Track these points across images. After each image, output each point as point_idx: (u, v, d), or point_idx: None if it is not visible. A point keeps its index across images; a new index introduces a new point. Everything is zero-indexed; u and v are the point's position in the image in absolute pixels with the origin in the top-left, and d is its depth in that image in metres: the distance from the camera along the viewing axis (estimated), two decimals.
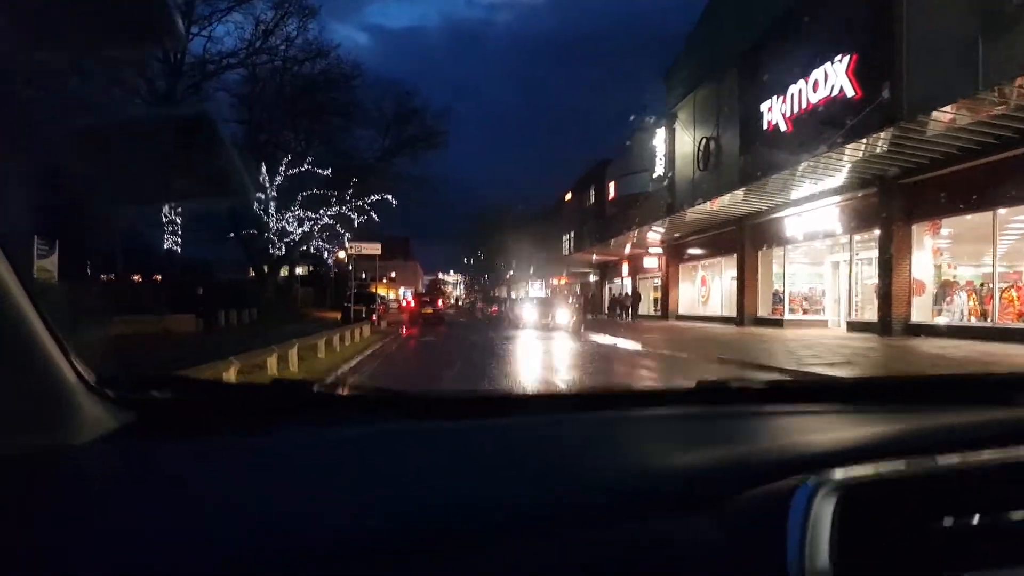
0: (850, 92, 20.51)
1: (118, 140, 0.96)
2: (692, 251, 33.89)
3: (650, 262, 39.18)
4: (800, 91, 23.19)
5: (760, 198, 24.94)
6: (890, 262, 18.51)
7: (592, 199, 56.90)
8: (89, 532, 0.85)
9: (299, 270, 71.28)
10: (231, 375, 8.94)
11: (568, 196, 66.08)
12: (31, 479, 0.94)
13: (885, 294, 18.67)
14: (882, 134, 17.33)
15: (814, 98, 22.42)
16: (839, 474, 1.00)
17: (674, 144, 35.92)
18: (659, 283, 39.86)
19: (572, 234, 64.52)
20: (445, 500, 0.97)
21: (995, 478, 1.05)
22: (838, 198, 21.66)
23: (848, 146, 18.68)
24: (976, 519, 0.99)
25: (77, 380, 1.05)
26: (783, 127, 24.37)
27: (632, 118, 42.42)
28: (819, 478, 0.98)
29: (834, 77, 21.30)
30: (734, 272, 29.90)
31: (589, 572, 0.92)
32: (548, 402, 1.63)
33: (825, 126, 21.67)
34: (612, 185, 46.54)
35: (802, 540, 0.92)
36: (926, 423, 1.28)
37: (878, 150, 17.99)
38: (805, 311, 25.34)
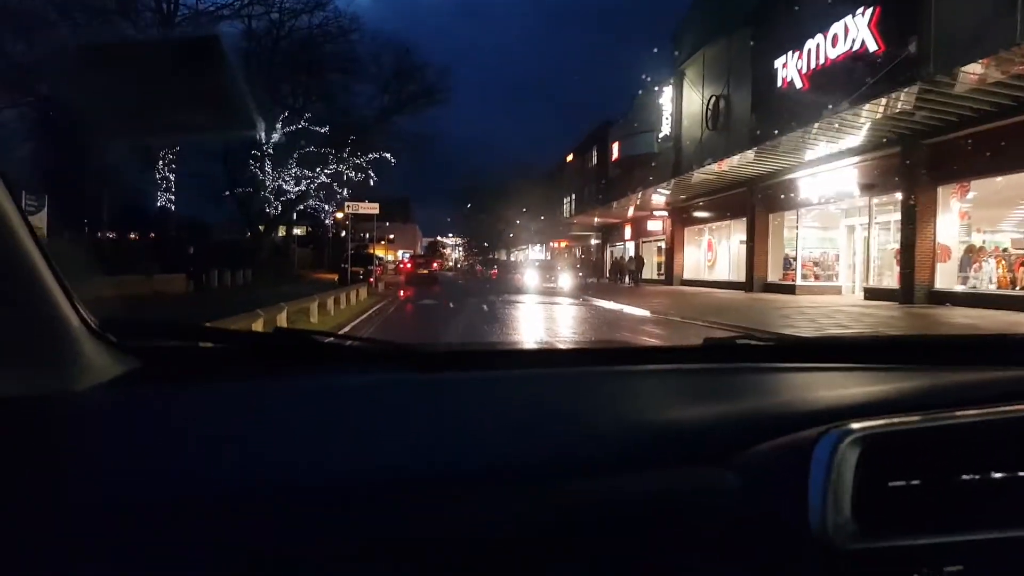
0: (873, 46, 19.49)
1: (117, 67, 0.89)
2: (698, 214, 32.98)
3: (654, 225, 38.35)
4: (818, 46, 22.11)
5: (772, 159, 24.00)
6: (913, 226, 17.67)
7: (595, 160, 55.76)
8: (91, 475, 0.87)
9: (298, 231, 70.49)
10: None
11: (570, 158, 64.87)
12: (34, 422, 0.94)
13: (907, 260, 17.85)
14: (906, 90, 16.44)
15: (833, 53, 21.37)
16: (862, 425, 0.97)
17: (681, 103, 34.81)
18: (663, 247, 39.04)
19: (573, 197, 63.50)
20: (448, 449, 0.96)
21: (1015, 434, 1.04)
22: (856, 159, 20.76)
23: (869, 103, 17.77)
24: (996, 475, 0.99)
25: (81, 324, 1.04)
26: (798, 84, 23.32)
27: (643, 77, 41.20)
28: (842, 428, 0.96)
29: (855, 31, 20.24)
30: (742, 236, 29.06)
31: (600, 521, 0.93)
32: (553, 356, 1.56)
33: (844, 82, 20.73)
34: (616, 146, 45.37)
35: (825, 490, 0.91)
36: (942, 380, 1.24)
37: (901, 108, 17.09)
38: (817, 277, 24.57)
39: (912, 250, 17.60)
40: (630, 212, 40.76)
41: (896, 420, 1.02)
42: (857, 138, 20.07)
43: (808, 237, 25.14)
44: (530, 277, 29.17)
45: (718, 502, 0.96)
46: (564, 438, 1.02)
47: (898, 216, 20.18)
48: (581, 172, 60.25)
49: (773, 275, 26.12)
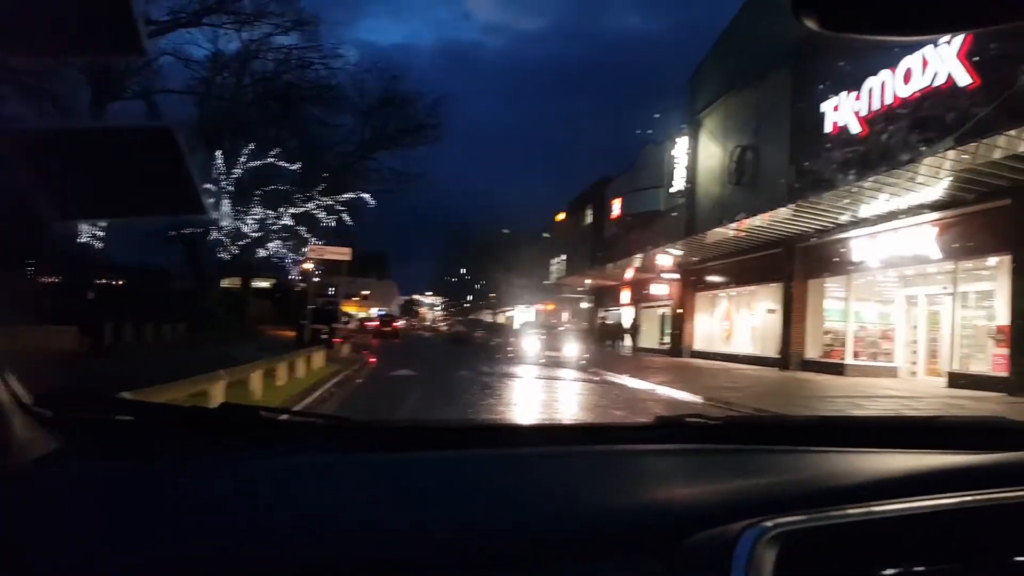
0: (964, 80, 15.95)
1: (74, 150, 0.91)
2: (714, 278, 29.15)
3: (659, 288, 34.35)
4: (883, 84, 18.66)
5: (818, 215, 20.32)
6: None
7: (589, 219, 52.13)
8: (24, 557, 0.84)
9: (265, 283, 65.73)
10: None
11: (561, 216, 61.26)
12: None
13: (1020, 340, 13.90)
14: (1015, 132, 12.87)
15: (905, 91, 17.88)
16: (783, 520, 0.98)
17: (697, 156, 31.35)
18: (666, 313, 35.08)
19: (563, 257, 59.73)
20: (376, 534, 0.95)
21: (938, 527, 1.05)
22: (935, 215, 17.00)
23: (963, 147, 14.17)
24: (917, 569, 1.00)
25: (10, 399, 1.01)
26: (855, 128, 19.79)
27: (647, 131, 37.91)
28: (763, 524, 0.96)
29: (937, 63, 16.74)
30: (770, 304, 25.20)
31: None
32: (504, 435, 1.54)
33: (920, 125, 17.19)
34: (617, 203, 41.75)
35: None
36: (875, 466, 1.26)
37: (1000, 152, 13.47)
38: (870, 355, 20.53)
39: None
40: (629, 274, 36.95)
41: (817, 515, 1.02)
42: (935, 191, 16.39)
43: (860, 309, 21.22)
44: (528, 343, 24.89)
45: None
46: (500, 525, 0.99)
47: (990, 285, 16.39)
48: (573, 231, 56.53)
49: (812, 351, 22.11)
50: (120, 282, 35.78)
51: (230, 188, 28.79)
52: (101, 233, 23.74)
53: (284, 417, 1.37)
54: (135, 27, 0.81)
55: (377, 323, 52.02)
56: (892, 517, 1.03)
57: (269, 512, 0.98)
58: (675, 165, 33.05)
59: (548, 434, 1.57)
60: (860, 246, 19.84)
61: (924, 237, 17.41)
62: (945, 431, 1.56)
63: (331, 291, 38.38)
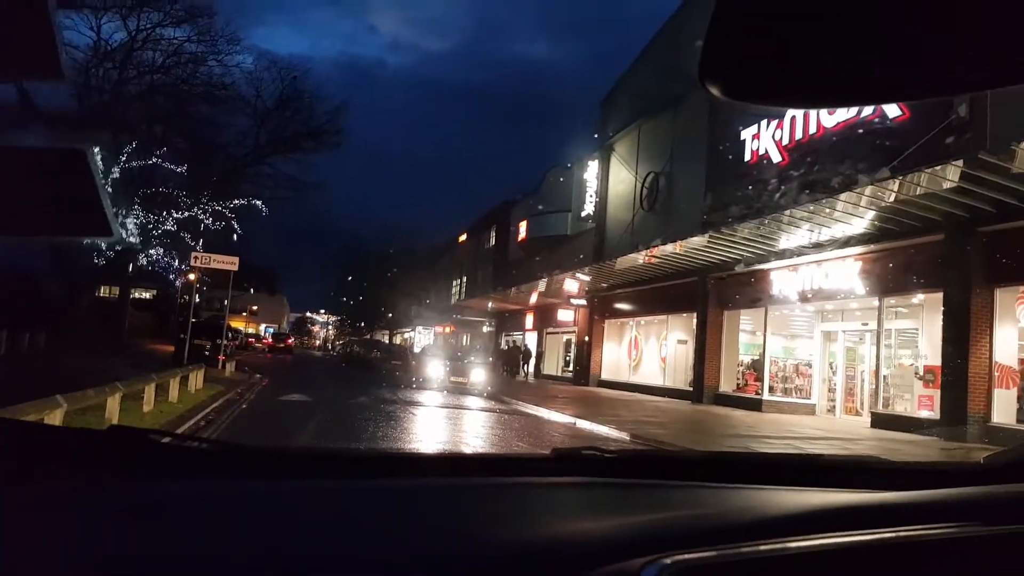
0: (892, 112, 15.67)
1: None
2: (623, 305, 28.50)
3: (565, 315, 33.59)
4: (806, 113, 18.32)
5: (733, 245, 19.84)
6: (963, 338, 13.38)
7: (492, 241, 51.07)
8: None
9: (147, 294, 61.23)
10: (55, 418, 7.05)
11: (463, 237, 59.93)
12: None
13: (952, 382, 13.49)
14: (950, 168, 12.59)
15: (829, 121, 17.60)
16: (680, 558, 0.99)
17: (607, 180, 30.77)
18: (571, 339, 34.30)
19: (464, 279, 58.38)
20: (265, 564, 0.92)
21: (822, 565, 1.08)
22: (858, 249, 16.63)
23: (883, 182, 13.86)
24: None
25: None
26: (775, 157, 19.45)
27: (551, 155, 37.25)
28: (662, 562, 0.97)
29: None
30: (681, 334, 24.67)
31: None
32: (404, 464, 1.53)
33: (841, 156, 16.90)
34: (523, 226, 40.81)
35: None
36: (765, 503, 1.28)
37: (945, 186, 13.15)
38: (788, 391, 20.05)
39: (963, 370, 13.23)
40: (533, 299, 36.00)
41: (715, 552, 1.02)
42: (859, 224, 16.04)
43: (776, 342, 20.78)
44: (431, 368, 23.23)
45: None
46: (399, 555, 0.98)
47: (913, 323, 16.13)
48: (476, 253, 55.34)
49: (726, 384, 21.53)
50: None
51: (107, 188, 25.94)
52: None
53: (176, 443, 1.37)
54: (56, 51, 0.77)
55: (270, 340, 58.62)
56: (783, 555, 1.06)
57: (155, 538, 0.95)
58: (585, 189, 32.35)
59: (446, 464, 1.55)
60: (779, 278, 19.40)
61: (848, 271, 17.03)
62: (828, 470, 1.61)
63: (223, 304, 35.60)
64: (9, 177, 0.88)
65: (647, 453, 2.54)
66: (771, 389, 20.02)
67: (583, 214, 32.46)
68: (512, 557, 1.00)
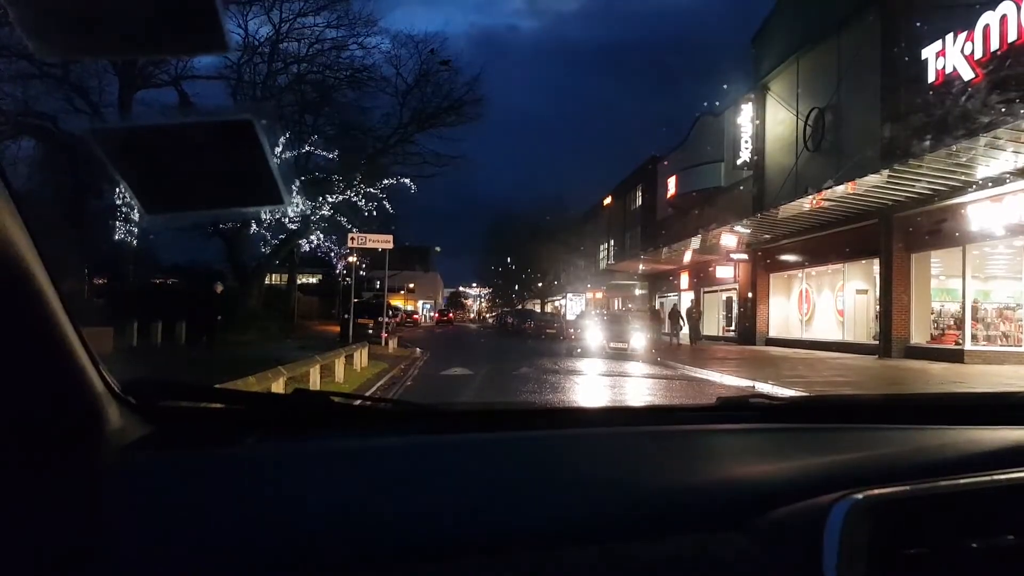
0: None
1: (159, 147, 0.94)
2: (789, 257, 26.52)
3: (724, 271, 31.69)
4: (1003, 18, 15.92)
5: (920, 179, 17.68)
6: None
7: (639, 201, 49.52)
8: (121, 541, 0.87)
9: (312, 279, 64.51)
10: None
11: (608, 200, 58.61)
12: (64, 490, 0.92)
13: None
14: None
15: None
16: (874, 492, 0.99)
17: (764, 123, 28.65)
18: (732, 297, 32.53)
19: (611, 243, 57.16)
20: (462, 513, 0.96)
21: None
22: None
23: None
24: (1007, 539, 1.00)
25: (105, 389, 1.04)
26: (967, 74, 17.05)
27: (700, 104, 35.26)
28: (856, 496, 0.97)
29: None
30: (861, 283, 22.59)
31: None
32: (563, 417, 1.57)
33: None
34: (672, 181, 39.09)
35: (839, 557, 0.91)
36: (956, 441, 1.24)
37: None
38: (995, 339, 17.78)
39: None
40: (687, 257, 34.39)
41: (908, 487, 1.02)
42: None
43: (975, 285, 18.46)
44: (592, 335, 22.52)
45: (733, 569, 0.94)
46: (572, 502, 0.99)
47: None
48: (622, 215, 53.97)
49: (918, 336, 19.43)
50: (169, 281, 34.76)
51: (275, 158, 27.17)
52: (135, 231, 22.29)
53: (356, 403, 1.41)
54: (219, 23, 0.80)
55: (437, 316, 75.23)
56: (981, 489, 1.03)
57: (335, 491, 0.99)
58: (739, 135, 30.32)
59: (612, 415, 1.55)
60: (977, 211, 17.11)
61: None
62: (1019, 407, 1.50)
63: (378, 285, 36.68)
64: (182, 152, 0.91)
65: (819, 399, 2.39)
66: (974, 338, 17.79)
67: (739, 162, 30.49)
68: (683, 500, 0.99)
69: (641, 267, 43.30)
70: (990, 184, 16.33)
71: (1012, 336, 17.58)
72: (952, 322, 18.63)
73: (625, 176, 54.47)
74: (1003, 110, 15.14)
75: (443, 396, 12.20)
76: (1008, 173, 15.70)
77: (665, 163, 42.96)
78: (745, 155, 29.86)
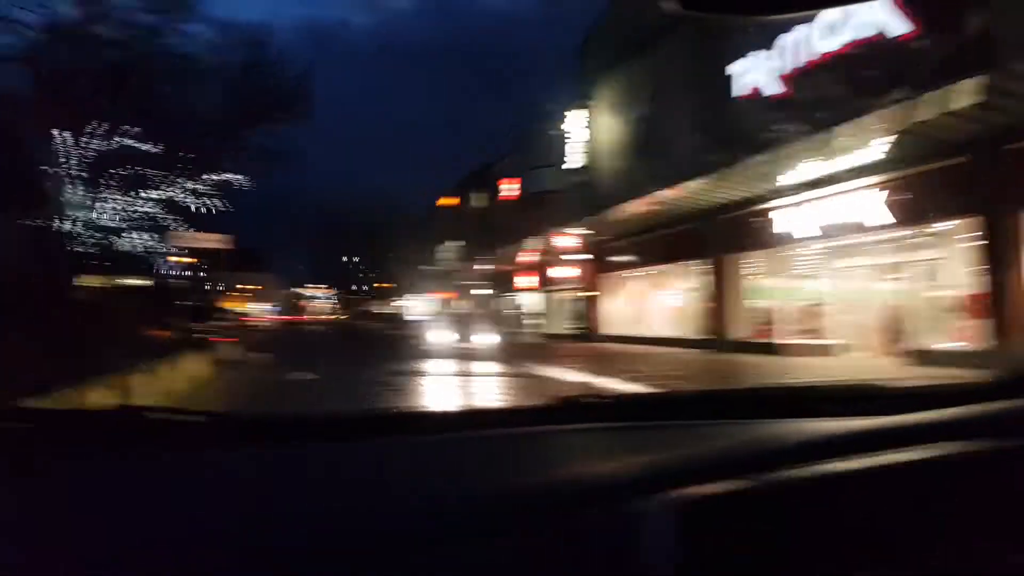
0: (897, 29, 14.84)
1: None
2: (628, 257, 27.75)
3: (565, 271, 32.74)
4: (798, 41, 17.45)
5: (733, 186, 19.14)
6: (996, 263, 12.76)
7: (478, 202, 50.03)
8: None
9: (140, 281, 59.98)
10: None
11: (445, 200, 58.80)
12: None
13: (991, 310, 12.92)
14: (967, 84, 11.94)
15: (825, 46, 16.72)
16: (686, 492, 1.01)
17: (593, 129, 29.85)
18: (575, 297, 33.62)
19: (448, 243, 57.36)
20: (272, 526, 0.94)
21: (837, 490, 1.09)
22: (875, 179, 15.87)
23: (903, 104, 13.15)
24: (821, 532, 1.03)
25: None
26: (771, 89, 18.57)
27: (531, 108, 36.22)
28: (667, 495, 0.99)
29: (866, 13, 15.56)
30: (692, 282, 23.97)
31: None
32: (397, 423, 1.50)
33: (844, 82, 16.07)
34: (508, 184, 39.91)
35: (649, 558, 0.93)
36: (770, 435, 1.28)
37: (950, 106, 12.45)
38: (803, 333, 19.43)
39: (1001, 291, 12.64)
40: (527, 258, 35.26)
41: (717, 486, 1.03)
42: (869, 151, 15.22)
43: (786, 284, 20.15)
44: (437, 335, 22.54)
45: (551, 569, 0.95)
46: (393, 510, 0.98)
47: (937, 253, 15.49)
48: (461, 216, 54.30)
49: (742, 331, 20.95)
50: None
51: (82, 172, 25.10)
52: None
53: (176, 417, 1.37)
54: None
55: (274, 317, 72.53)
56: (785, 484, 1.07)
57: (162, 508, 0.97)
58: (571, 140, 31.35)
59: (438, 420, 1.53)
60: (786, 216, 18.70)
61: (862, 202, 16.32)
62: (825, 399, 1.58)
63: (219, 287, 34.81)
64: None
65: (643, 396, 2.54)
66: (785, 332, 19.41)
67: (571, 166, 31.54)
68: (510, 500, 1.01)
69: (481, 267, 43.95)
70: (789, 193, 17.84)
71: (817, 330, 19.29)
72: (767, 318, 20.22)
73: (462, 178, 54.94)
74: (791, 129, 16.63)
75: (282, 403, 11.77)
76: (803, 184, 17.21)
77: (501, 166, 43.78)
78: (576, 159, 30.94)
